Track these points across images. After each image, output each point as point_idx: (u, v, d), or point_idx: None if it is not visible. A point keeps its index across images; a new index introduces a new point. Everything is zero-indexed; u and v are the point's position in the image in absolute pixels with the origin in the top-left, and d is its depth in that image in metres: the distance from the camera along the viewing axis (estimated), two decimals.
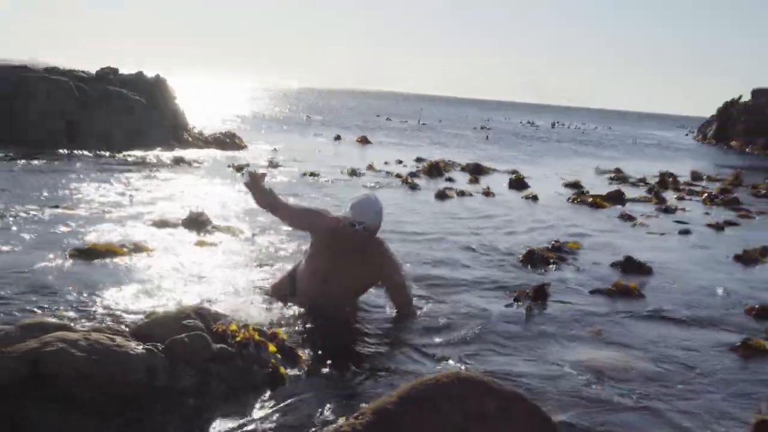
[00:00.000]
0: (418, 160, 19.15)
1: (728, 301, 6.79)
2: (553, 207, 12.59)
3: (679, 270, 7.90)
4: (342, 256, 5.14)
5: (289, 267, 5.79)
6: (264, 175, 5.25)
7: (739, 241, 9.96)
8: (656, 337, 5.50)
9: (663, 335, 5.57)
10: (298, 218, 5.47)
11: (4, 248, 6.46)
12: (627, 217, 11.64)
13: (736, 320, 6.18)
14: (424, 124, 43.48)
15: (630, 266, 7.52)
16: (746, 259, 8.54)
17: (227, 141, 19.02)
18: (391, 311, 5.44)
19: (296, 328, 5.03)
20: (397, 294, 5.36)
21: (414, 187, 13.82)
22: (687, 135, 48.04)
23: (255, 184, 5.12)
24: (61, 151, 13.97)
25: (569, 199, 13.71)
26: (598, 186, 16.41)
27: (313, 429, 3.53)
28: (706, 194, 15.62)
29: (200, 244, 7.20)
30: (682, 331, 5.74)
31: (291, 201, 5.56)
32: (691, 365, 4.94)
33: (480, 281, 6.86)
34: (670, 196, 15.32)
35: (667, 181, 17.66)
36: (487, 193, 13.76)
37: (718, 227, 11.35)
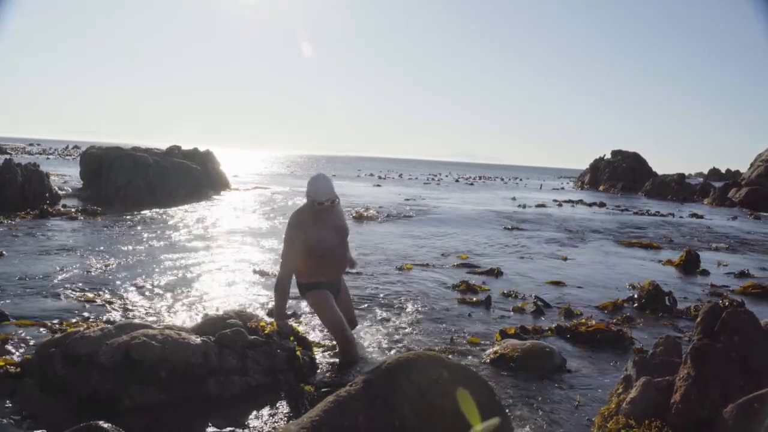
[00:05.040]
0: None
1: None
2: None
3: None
4: (324, 232, 4.33)
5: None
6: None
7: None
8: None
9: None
10: (294, 254, 4.28)
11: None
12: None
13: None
14: (400, 175, 43.77)
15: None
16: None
17: (252, 189, 19.73)
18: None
19: (306, 323, 4.98)
20: None
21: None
22: (568, 183, 48.53)
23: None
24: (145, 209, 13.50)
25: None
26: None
27: (324, 389, 3.50)
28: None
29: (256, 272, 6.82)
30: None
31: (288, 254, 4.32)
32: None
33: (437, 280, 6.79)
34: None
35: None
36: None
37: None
